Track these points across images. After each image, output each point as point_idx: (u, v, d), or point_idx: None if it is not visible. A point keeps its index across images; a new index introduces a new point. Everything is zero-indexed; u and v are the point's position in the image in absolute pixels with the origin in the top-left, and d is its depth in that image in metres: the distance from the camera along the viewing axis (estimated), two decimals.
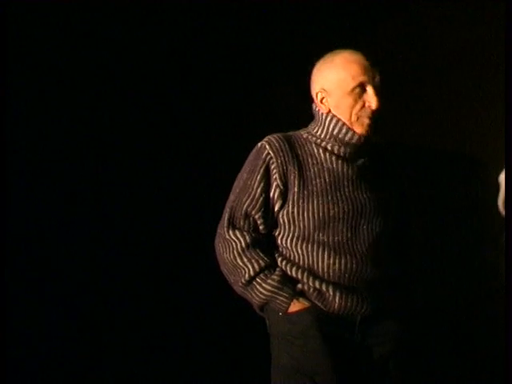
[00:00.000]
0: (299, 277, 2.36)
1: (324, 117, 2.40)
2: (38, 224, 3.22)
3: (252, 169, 2.38)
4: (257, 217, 2.38)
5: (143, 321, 3.34)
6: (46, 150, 3.23)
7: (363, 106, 2.35)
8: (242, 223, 2.38)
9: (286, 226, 2.39)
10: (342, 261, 2.35)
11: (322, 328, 2.33)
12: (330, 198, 2.35)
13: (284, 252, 2.40)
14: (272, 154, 2.36)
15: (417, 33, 3.47)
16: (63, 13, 3.18)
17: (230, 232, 2.38)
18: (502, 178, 3.05)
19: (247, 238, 2.36)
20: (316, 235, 2.36)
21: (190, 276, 3.34)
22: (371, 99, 2.34)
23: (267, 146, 2.37)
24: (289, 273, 2.37)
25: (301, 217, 2.36)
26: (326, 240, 2.35)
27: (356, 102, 2.35)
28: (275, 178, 2.36)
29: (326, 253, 2.35)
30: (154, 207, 3.36)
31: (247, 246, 2.36)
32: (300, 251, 2.37)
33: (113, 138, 3.31)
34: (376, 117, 2.36)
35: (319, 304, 2.35)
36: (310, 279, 2.35)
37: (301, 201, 2.35)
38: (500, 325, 2.73)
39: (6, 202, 3.00)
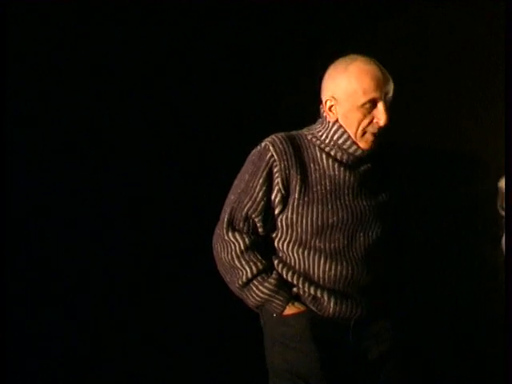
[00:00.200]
0: (295, 281, 2.37)
1: (331, 125, 2.37)
2: (38, 224, 3.22)
3: (255, 171, 2.37)
4: (257, 220, 2.37)
5: (143, 321, 3.34)
6: (46, 150, 3.22)
7: (371, 121, 2.33)
8: (241, 225, 2.38)
9: (284, 230, 2.38)
10: (338, 267, 2.35)
11: (316, 331, 2.34)
12: (329, 206, 2.34)
13: (281, 255, 2.40)
14: (276, 157, 2.34)
15: (417, 33, 3.47)
16: (63, 13, 3.18)
17: (230, 233, 2.37)
18: (501, 183, 3.06)
19: (246, 240, 2.36)
20: (313, 241, 2.36)
21: (190, 276, 3.34)
22: (381, 116, 2.31)
23: (271, 148, 2.35)
24: (284, 276, 2.37)
25: (299, 223, 2.35)
26: (322, 246, 2.35)
27: (365, 116, 2.33)
28: (277, 183, 2.35)
29: (322, 259, 2.35)
30: (154, 207, 3.36)
31: (246, 248, 2.36)
32: (296, 256, 2.37)
33: (113, 137, 3.30)
34: (382, 132, 2.35)
35: (314, 308, 2.35)
36: (306, 284, 2.35)
37: (300, 207, 2.34)
38: (500, 325, 2.74)
39: (6, 201, 3.00)
